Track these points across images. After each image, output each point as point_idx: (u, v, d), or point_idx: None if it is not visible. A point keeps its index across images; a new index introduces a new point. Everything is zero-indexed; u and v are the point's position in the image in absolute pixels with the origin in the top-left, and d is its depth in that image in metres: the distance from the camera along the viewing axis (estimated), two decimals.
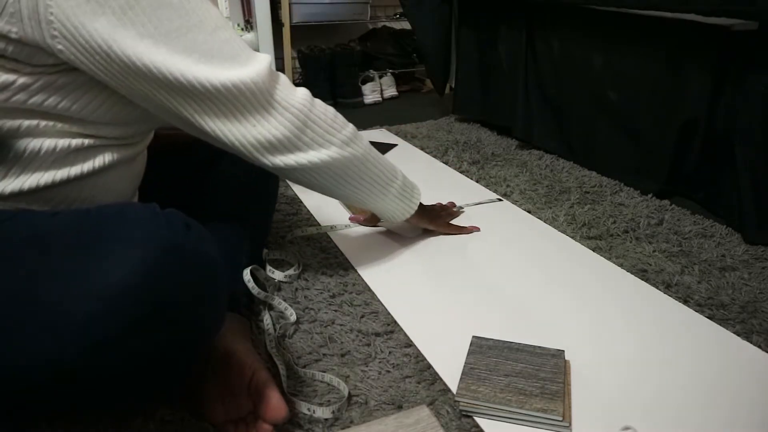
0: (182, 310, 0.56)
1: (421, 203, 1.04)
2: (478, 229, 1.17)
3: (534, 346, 0.78)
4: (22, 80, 0.62)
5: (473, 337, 0.80)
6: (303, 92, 0.79)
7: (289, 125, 0.76)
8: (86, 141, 0.68)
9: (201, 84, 0.68)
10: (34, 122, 0.64)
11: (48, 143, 0.65)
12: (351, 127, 0.85)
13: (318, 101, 0.81)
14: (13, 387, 0.54)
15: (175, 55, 0.66)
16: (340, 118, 0.84)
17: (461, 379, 0.73)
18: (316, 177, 0.83)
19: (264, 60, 0.74)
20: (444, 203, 1.22)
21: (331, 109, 0.83)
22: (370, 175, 0.89)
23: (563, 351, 0.77)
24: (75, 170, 0.68)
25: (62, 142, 0.66)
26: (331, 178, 0.85)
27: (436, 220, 1.13)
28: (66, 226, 0.58)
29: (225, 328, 0.70)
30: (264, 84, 0.73)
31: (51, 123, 0.65)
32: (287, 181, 0.89)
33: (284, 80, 0.77)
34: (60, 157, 0.67)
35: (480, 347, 0.78)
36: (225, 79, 0.69)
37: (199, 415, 0.68)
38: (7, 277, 0.53)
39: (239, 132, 0.74)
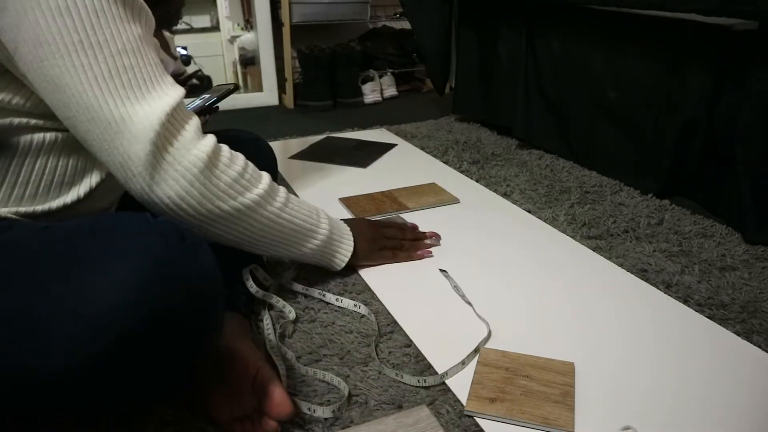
0: (178, 323, 0.56)
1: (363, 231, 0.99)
2: (430, 254, 1.07)
3: None
4: None
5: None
6: (203, 147, 0.69)
7: (176, 186, 0.68)
8: (60, 135, 0.68)
9: (84, 106, 0.62)
10: (24, 120, 0.64)
11: (36, 137, 0.66)
12: (264, 183, 0.77)
13: (224, 162, 0.72)
14: (7, 401, 0.53)
15: (72, 72, 0.61)
16: (250, 173, 0.75)
17: None
18: (212, 232, 0.75)
19: (169, 99, 0.66)
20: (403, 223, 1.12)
21: (238, 165, 0.74)
22: (281, 234, 0.82)
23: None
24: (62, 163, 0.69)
25: (40, 136, 0.66)
26: (232, 237, 0.77)
27: (375, 253, 1.02)
28: (58, 240, 0.57)
29: (225, 328, 0.70)
30: (154, 133, 0.64)
31: (26, 120, 0.65)
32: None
33: (192, 129, 0.68)
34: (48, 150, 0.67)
35: None
36: (110, 110, 0.63)
37: (204, 414, 0.68)
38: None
39: (120, 174, 0.67)
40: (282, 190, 0.82)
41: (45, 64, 0.60)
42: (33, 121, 0.65)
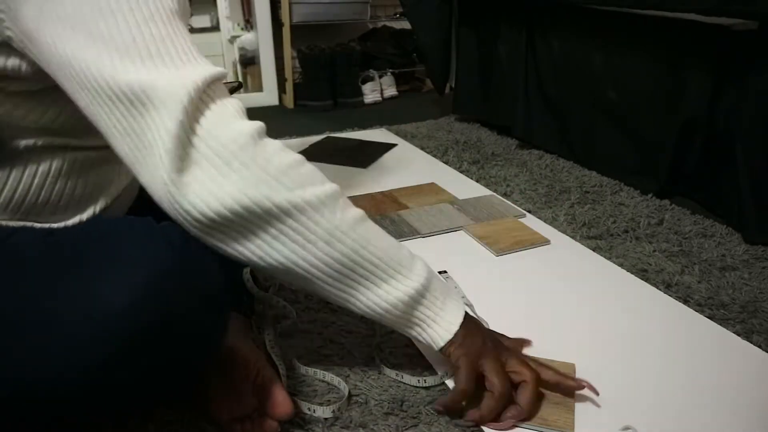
0: (183, 327, 0.56)
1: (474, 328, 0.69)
2: (583, 387, 0.71)
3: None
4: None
5: None
6: (248, 123, 0.55)
7: (208, 167, 0.53)
8: (79, 155, 0.66)
9: (103, 80, 0.51)
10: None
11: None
12: (331, 186, 0.59)
13: (275, 147, 0.56)
14: (12, 403, 0.53)
15: (89, 44, 0.51)
16: (310, 169, 0.59)
17: None
18: (253, 248, 0.58)
19: (206, 70, 0.54)
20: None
21: (294, 156, 0.58)
22: (348, 261, 0.60)
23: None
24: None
25: (61, 160, 0.64)
26: (278, 256, 0.58)
27: (491, 357, 0.67)
28: (64, 245, 0.57)
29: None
30: (188, 98, 0.51)
31: (50, 139, 0.63)
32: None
33: (232, 107, 0.55)
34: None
35: None
36: (132, 80, 0.51)
37: (204, 414, 0.68)
38: (5, 299, 0.52)
39: (146, 167, 0.54)
40: (358, 210, 0.62)
41: (63, 38, 0.51)
42: (58, 141, 0.63)
